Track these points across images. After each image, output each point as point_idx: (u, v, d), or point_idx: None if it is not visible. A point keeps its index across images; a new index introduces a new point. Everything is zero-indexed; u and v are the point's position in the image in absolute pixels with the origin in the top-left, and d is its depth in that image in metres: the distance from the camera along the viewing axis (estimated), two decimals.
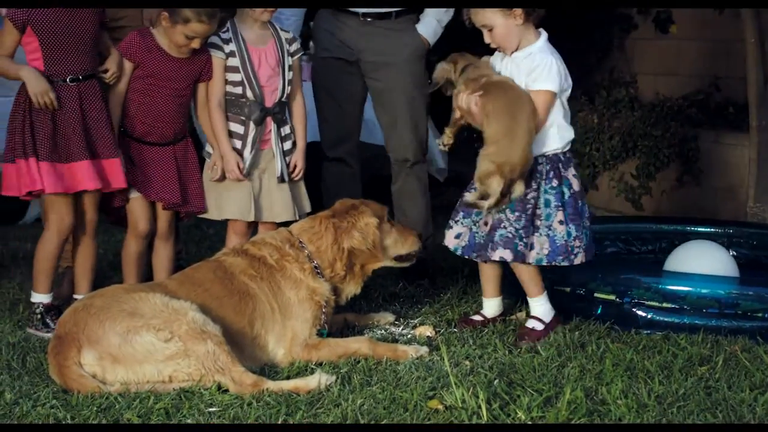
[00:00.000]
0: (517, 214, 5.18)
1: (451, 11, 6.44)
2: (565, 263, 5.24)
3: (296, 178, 5.82)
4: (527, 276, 5.35)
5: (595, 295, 5.57)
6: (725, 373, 4.80)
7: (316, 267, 5.16)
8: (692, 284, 5.53)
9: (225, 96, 5.64)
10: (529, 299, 5.43)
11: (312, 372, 4.75)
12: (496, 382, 4.57)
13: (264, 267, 5.08)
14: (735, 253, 6.46)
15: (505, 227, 5.20)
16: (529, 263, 5.25)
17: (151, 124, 5.58)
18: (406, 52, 6.35)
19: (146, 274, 5.84)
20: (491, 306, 5.58)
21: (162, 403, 4.30)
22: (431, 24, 6.40)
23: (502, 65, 5.33)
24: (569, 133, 5.38)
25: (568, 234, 5.22)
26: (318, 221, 5.27)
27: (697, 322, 5.38)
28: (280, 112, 5.71)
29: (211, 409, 4.28)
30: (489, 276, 5.55)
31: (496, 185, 5.07)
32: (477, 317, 5.56)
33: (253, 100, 5.61)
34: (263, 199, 5.72)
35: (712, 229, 6.72)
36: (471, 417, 4.17)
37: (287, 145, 5.75)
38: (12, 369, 4.84)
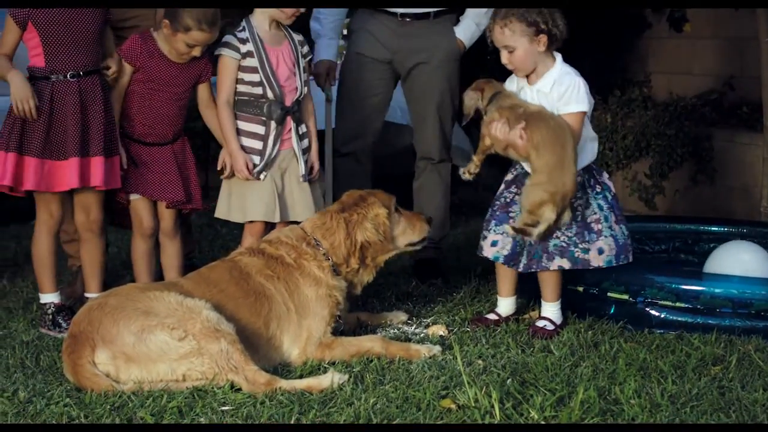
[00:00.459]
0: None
1: (491, 13, 6.43)
2: (625, 261, 5.36)
3: (315, 179, 5.82)
4: (552, 281, 5.40)
5: (608, 294, 5.56)
6: (739, 372, 4.78)
7: (332, 265, 5.16)
8: (705, 284, 5.52)
9: (243, 96, 5.62)
10: (544, 302, 5.43)
11: (325, 371, 4.75)
12: (509, 381, 4.57)
13: (281, 266, 5.07)
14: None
15: (558, 237, 5.27)
16: (596, 266, 5.32)
17: (151, 126, 5.60)
18: (441, 54, 6.36)
19: (158, 274, 5.85)
20: (506, 305, 5.58)
21: (175, 402, 4.31)
22: (469, 27, 6.41)
23: (527, 95, 5.35)
24: (596, 143, 5.52)
25: (623, 233, 5.38)
26: (329, 216, 5.25)
27: (710, 321, 5.37)
28: (299, 111, 5.71)
29: (224, 408, 4.29)
30: (506, 275, 5.54)
31: (549, 214, 5.10)
32: (492, 316, 5.56)
33: (273, 100, 5.60)
34: (286, 200, 5.71)
35: (726, 229, 6.70)
36: (484, 416, 4.17)
37: (305, 143, 5.75)
38: (26, 367, 4.86)
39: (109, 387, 4.44)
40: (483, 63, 10.34)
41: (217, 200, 5.79)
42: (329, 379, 4.56)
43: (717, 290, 5.45)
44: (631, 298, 5.51)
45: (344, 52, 6.79)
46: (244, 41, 5.58)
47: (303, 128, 5.75)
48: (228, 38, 5.59)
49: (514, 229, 5.24)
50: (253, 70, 5.58)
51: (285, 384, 4.52)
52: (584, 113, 5.28)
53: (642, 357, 4.94)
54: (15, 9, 5.22)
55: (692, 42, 9.45)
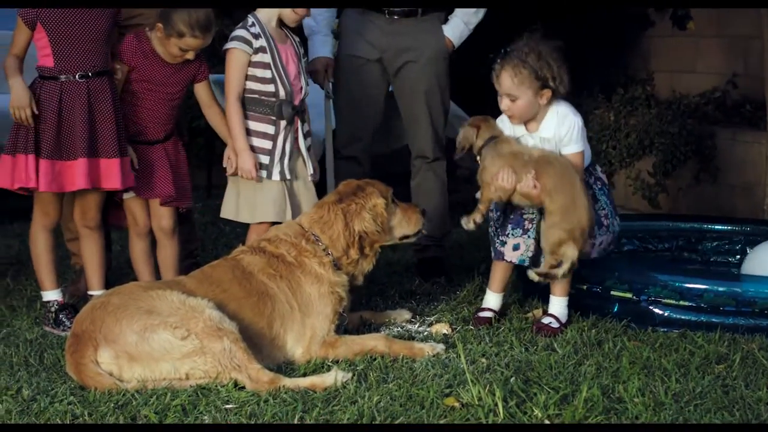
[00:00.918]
0: None
1: (480, 13, 6.45)
2: (611, 251, 5.57)
3: (316, 179, 5.82)
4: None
5: (612, 293, 5.55)
6: (742, 371, 4.78)
7: (333, 260, 5.15)
8: (708, 282, 5.52)
9: (252, 95, 5.60)
10: (552, 297, 5.44)
11: (328, 369, 4.75)
12: (512, 379, 4.57)
13: (283, 265, 5.06)
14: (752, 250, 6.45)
15: None
16: (593, 257, 5.42)
17: (143, 125, 5.59)
18: (430, 52, 6.36)
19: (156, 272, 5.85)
20: (496, 299, 5.59)
21: (179, 400, 4.31)
22: (458, 26, 6.42)
23: (529, 143, 5.39)
24: (589, 147, 5.55)
25: (618, 225, 5.54)
26: (326, 209, 5.23)
27: (714, 320, 5.37)
28: (305, 110, 5.72)
29: (227, 406, 4.29)
30: (503, 272, 5.56)
31: (571, 251, 5.15)
32: (487, 313, 5.55)
33: (284, 99, 5.59)
34: (294, 199, 5.70)
35: (729, 227, 6.71)
36: (487, 415, 4.17)
37: (308, 142, 5.75)
38: (29, 365, 4.86)
39: (112, 385, 4.44)
40: (484, 61, 10.37)
41: (220, 199, 5.78)
42: (333, 378, 4.56)
43: (720, 288, 5.45)
44: (634, 297, 5.50)
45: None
46: (256, 36, 5.54)
47: (306, 127, 5.75)
48: (240, 32, 5.55)
49: (538, 274, 5.26)
50: (265, 66, 5.56)
51: (288, 382, 4.52)
52: (583, 152, 5.36)
53: (645, 355, 4.94)
54: (24, 9, 5.24)
55: (695, 40, 9.44)
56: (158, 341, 4.47)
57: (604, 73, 9.96)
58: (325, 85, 6.41)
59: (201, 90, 5.70)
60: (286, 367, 4.86)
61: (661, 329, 5.37)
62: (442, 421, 4.14)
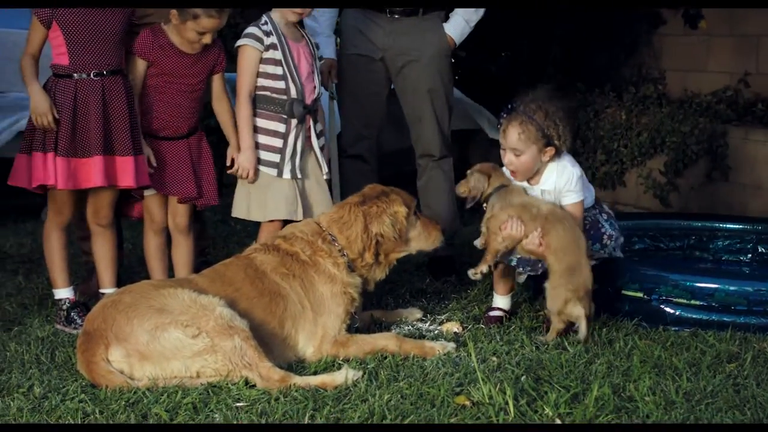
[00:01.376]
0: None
1: (480, 11, 6.45)
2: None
3: (327, 177, 5.83)
4: None
5: (623, 292, 5.55)
6: (754, 370, 4.78)
7: (347, 261, 5.15)
8: (719, 281, 5.51)
9: (264, 92, 5.61)
10: None
11: (339, 368, 4.75)
12: (523, 378, 4.57)
13: (297, 263, 5.06)
14: (764, 250, 6.44)
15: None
16: None
17: (166, 120, 5.59)
18: (432, 51, 6.37)
19: (169, 270, 5.86)
20: (505, 301, 5.61)
21: (190, 398, 4.32)
22: (459, 24, 6.42)
23: (530, 194, 5.43)
24: (591, 187, 5.62)
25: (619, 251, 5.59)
26: (347, 209, 5.23)
27: (725, 319, 5.36)
28: (316, 110, 5.72)
29: (238, 404, 4.29)
30: (506, 277, 5.59)
31: (578, 310, 5.14)
32: (498, 312, 5.56)
33: (295, 97, 5.59)
34: (306, 198, 5.71)
35: (741, 226, 6.70)
36: (498, 413, 4.17)
37: (321, 141, 5.76)
38: (41, 363, 4.87)
39: (123, 383, 4.45)
40: (495, 59, 10.38)
41: (231, 197, 5.78)
42: (343, 376, 4.56)
43: (731, 288, 5.44)
44: (645, 296, 5.49)
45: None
46: (268, 33, 5.56)
47: (319, 127, 5.76)
48: (251, 30, 5.57)
49: (546, 342, 5.22)
50: (277, 63, 5.57)
51: (299, 380, 4.53)
52: (583, 201, 5.39)
53: (657, 354, 4.93)
54: (39, 8, 5.25)
55: (707, 39, 9.41)
56: (169, 340, 4.48)
57: (616, 72, 9.95)
58: (329, 86, 6.42)
59: (215, 81, 5.70)
60: (297, 366, 4.86)
61: (673, 328, 5.37)
62: (452, 420, 4.14)
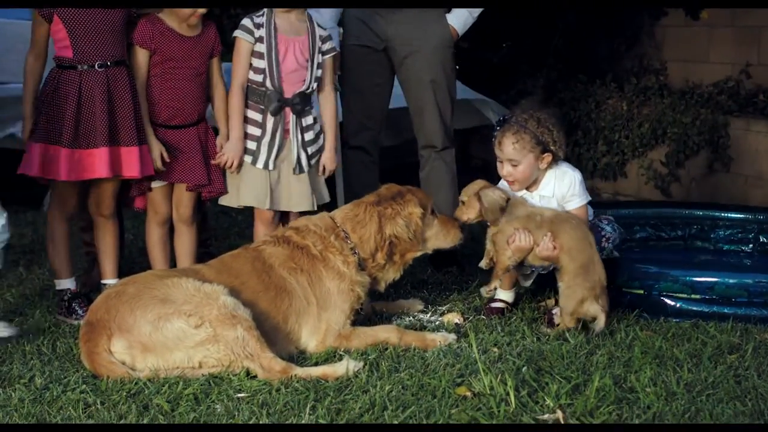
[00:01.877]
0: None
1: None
2: None
3: (325, 176, 5.83)
4: None
5: (623, 290, 5.54)
6: (755, 361, 4.78)
7: (358, 260, 5.13)
8: (719, 275, 5.50)
9: (249, 83, 5.62)
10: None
11: (340, 358, 4.76)
12: (524, 369, 4.57)
13: (306, 258, 5.05)
14: (765, 240, 6.44)
15: None
16: None
17: (176, 108, 5.59)
18: (434, 42, 6.35)
19: (171, 260, 5.86)
20: (507, 295, 5.61)
21: (191, 389, 4.32)
22: (462, 14, 6.41)
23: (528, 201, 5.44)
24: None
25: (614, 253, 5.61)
26: (363, 208, 5.22)
27: (725, 311, 5.36)
28: (300, 103, 5.66)
29: (239, 395, 4.30)
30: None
31: (594, 308, 5.15)
32: (499, 304, 5.57)
33: (272, 90, 5.60)
34: (282, 189, 5.69)
35: (743, 215, 6.68)
36: (499, 404, 4.16)
37: (308, 135, 5.71)
38: (42, 354, 4.87)
39: (124, 374, 4.45)
40: (497, 50, 10.36)
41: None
42: (344, 367, 4.57)
43: (731, 281, 5.44)
44: (645, 293, 5.49)
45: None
46: (258, 26, 5.56)
47: (308, 120, 5.73)
48: (245, 21, 5.59)
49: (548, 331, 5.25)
50: (261, 56, 5.58)
51: (300, 371, 4.53)
52: (587, 204, 5.43)
53: (658, 345, 4.93)
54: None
55: (709, 30, 9.41)
56: (172, 330, 4.48)
57: (617, 63, 9.95)
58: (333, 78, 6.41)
59: (212, 65, 5.72)
60: (299, 356, 4.86)
61: (674, 319, 5.37)
62: (453, 411, 4.13)
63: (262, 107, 5.61)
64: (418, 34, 6.33)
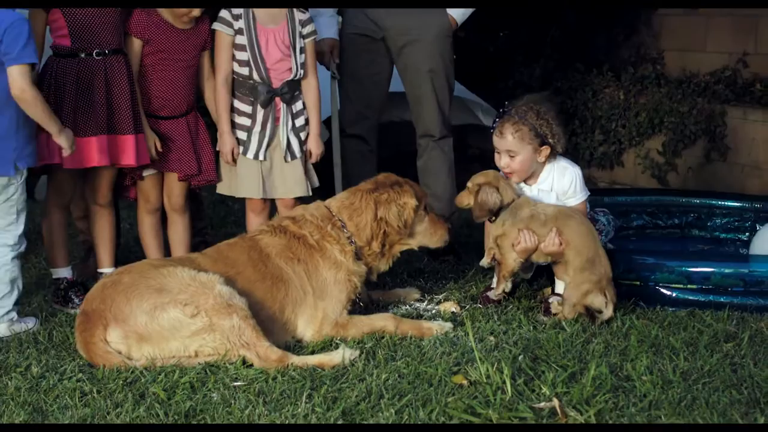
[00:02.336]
0: None
1: None
2: None
3: (313, 161, 5.82)
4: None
5: (620, 281, 5.53)
6: (751, 349, 4.78)
7: (355, 249, 5.14)
8: (715, 265, 5.50)
9: (235, 75, 5.62)
10: (558, 279, 5.43)
11: (336, 347, 4.76)
12: (520, 357, 4.57)
13: (303, 247, 5.05)
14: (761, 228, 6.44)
15: None
16: None
17: (165, 98, 5.60)
18: (433, 31, 6.34)
19: (165, 249, 5.86)
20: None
21: (187, 378, 4.32)
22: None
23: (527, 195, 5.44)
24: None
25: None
26: (359, 196, 5.21)
27: (722, 300, 5.36)
28: (289, 91, 5.67)
29: (236, 384, 4.30)
30: None
31: (600, 301, 5.16)
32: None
33: (260, 82, 5.59)
34: (275, 176, 5.71)
35: (739, 204, 6.70)
36: (495, 392, 4.17)
37: (299, 121, 5.72)
38: (38, 343, 4.88)
39: (121, 363, 4.46)
40: (494, 40, 10.35)
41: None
42: (341, 355, 4.57)
43: (727, 270, 5.43)
44: (642, 284, 5.49)
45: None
46: (237, 17, 5.57)
47: (298, 106, 5.73)
48: (222, 13, 5.59)
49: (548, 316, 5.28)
50: (243, 48, 5.58)
51: (297, 360, 4.53)
52: (586, 199, 5.46)
53: (654, 334, 4.94)
54: None
55: (706, 19, 9.40)
56: (168, 320, 4.49)
57: (614, 52, 9.93)
58: (331, 66, 6.40)
59: (203, 59, 5.72)
60: (295, 345, 4.86)
61: (670, 308, 5.37)
62: (449, 399, 4.14)
63: (252, 99, 5.61)
64: (417, 23, 6.32)
